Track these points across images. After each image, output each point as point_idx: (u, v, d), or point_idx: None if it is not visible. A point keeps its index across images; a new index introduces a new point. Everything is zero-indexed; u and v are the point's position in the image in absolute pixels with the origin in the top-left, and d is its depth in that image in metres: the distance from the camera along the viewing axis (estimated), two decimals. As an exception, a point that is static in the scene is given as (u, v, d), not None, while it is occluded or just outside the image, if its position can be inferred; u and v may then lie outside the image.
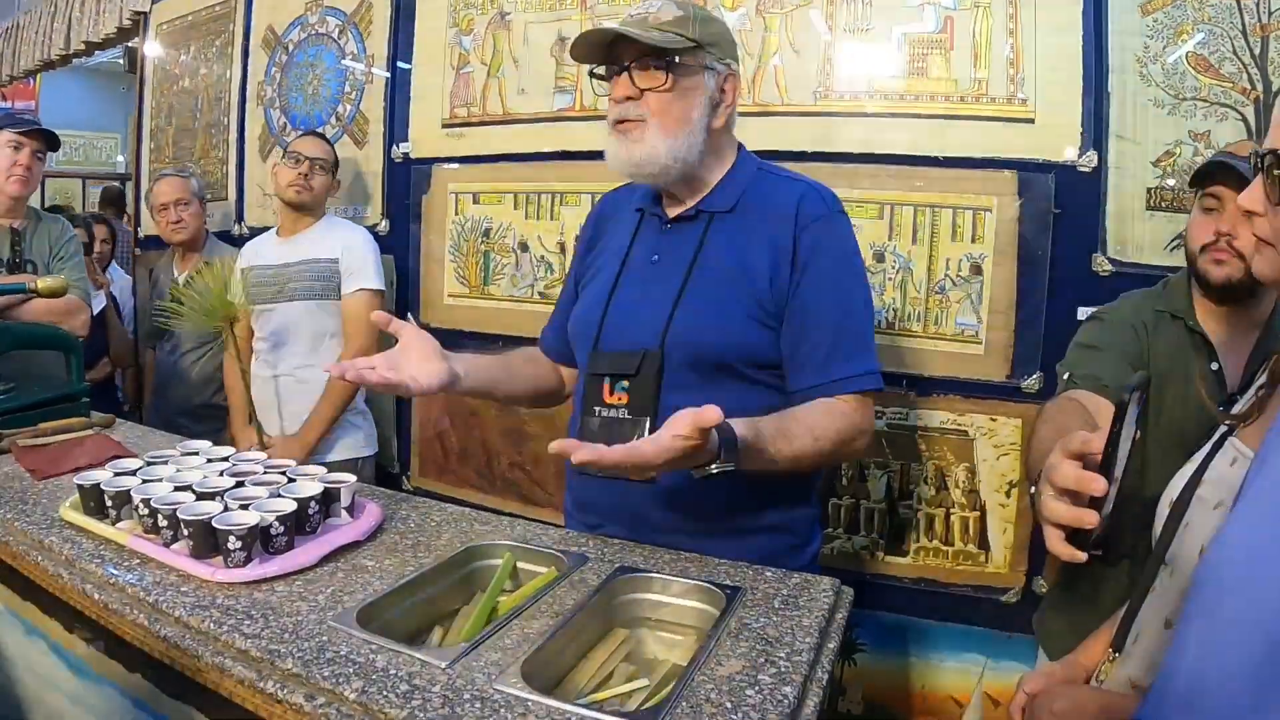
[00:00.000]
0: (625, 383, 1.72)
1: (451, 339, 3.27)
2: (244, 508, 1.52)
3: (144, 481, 1.66)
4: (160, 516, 1.53)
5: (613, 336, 1.81)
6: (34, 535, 1.64)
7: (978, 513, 2.62)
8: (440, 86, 3.49)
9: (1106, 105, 2.43)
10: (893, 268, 2.65)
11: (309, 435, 3.10)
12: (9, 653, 1.82)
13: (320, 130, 3.69)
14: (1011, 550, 2.60)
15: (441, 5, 3.48)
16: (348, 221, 3.44)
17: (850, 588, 1.56)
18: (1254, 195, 1.08)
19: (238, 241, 3.95)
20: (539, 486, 3.31)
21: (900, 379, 2.66)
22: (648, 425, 1.66)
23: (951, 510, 2.65)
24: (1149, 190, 2.41)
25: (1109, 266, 2.44)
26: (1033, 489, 1.17)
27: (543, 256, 3.28)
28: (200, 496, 1.59)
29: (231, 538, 1.43)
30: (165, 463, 1.82)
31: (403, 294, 3.63)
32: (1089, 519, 0.94)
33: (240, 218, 4.27)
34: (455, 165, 3.48)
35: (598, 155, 2.96)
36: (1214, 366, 1.81)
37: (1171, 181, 2.39)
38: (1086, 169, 2.44)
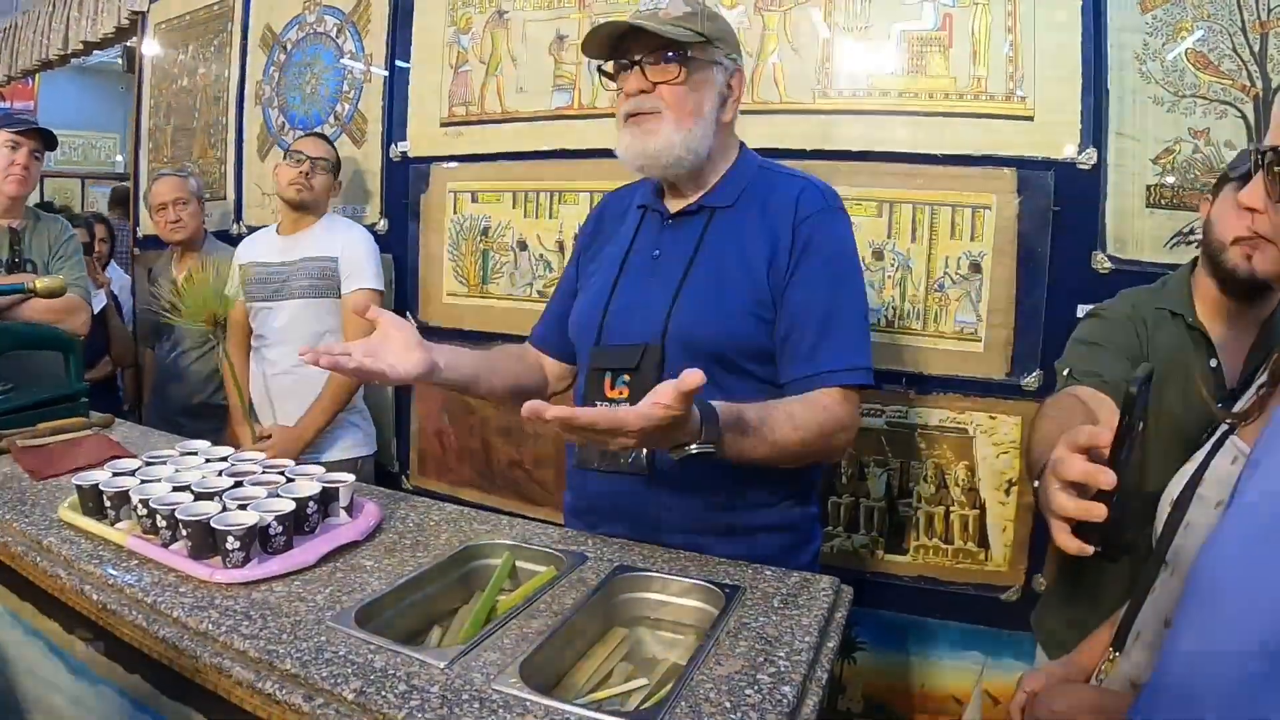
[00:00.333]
0: (626, 377, 1.73)
1: (450, 337, 3.29)
2: (242, 508, 1.52)
3: (143, 482, 1.66)
4: (159, 517, 1.53)
5: (614, 331, 1.81)
6: (32, 536, 1.64)
7: (977, 511, 2.62)
8: (438, 85, 3.49)
9: (1106, 102, 2.42)
10: (892, 265, 2.65)
11: (306, 430, 3.10)
12: (8, 654, 1.81)
13: (320, 130, 3.68)
14: (1011, 548, 2.60)
15: (440, 4, 3.48)
16: (348, 220, 3.43)
17: (850, 586, 1.56)
18: (1255, 193, 1.08)
19: (236, 241, 3.94)
20: (538, 485, 3.30)
21: (900, 377, 2.65)
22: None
23: (951, 508, 2.65)
24: (1148, 187, 2.41)
25: (1108, 264, 2.44)
26: (1035, 483, 1.16)
27: (541, 255, 3.27)
28: (199, 497, 1.59)
29: (230, 538, 1.43)
30: (164, 463, 1.82)
31: (401, 293, 3.63)
32: (1097, 512, 0.94)
33: (239, 217, 4.27)
34: (454, 164, 3.48)
35: (596, 154, 2.98)
36: (1213, 364, 1.80)
37: (1171, 179, 2.39)
38: (1086, 166, 2.44)
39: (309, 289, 3.16)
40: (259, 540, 1.49)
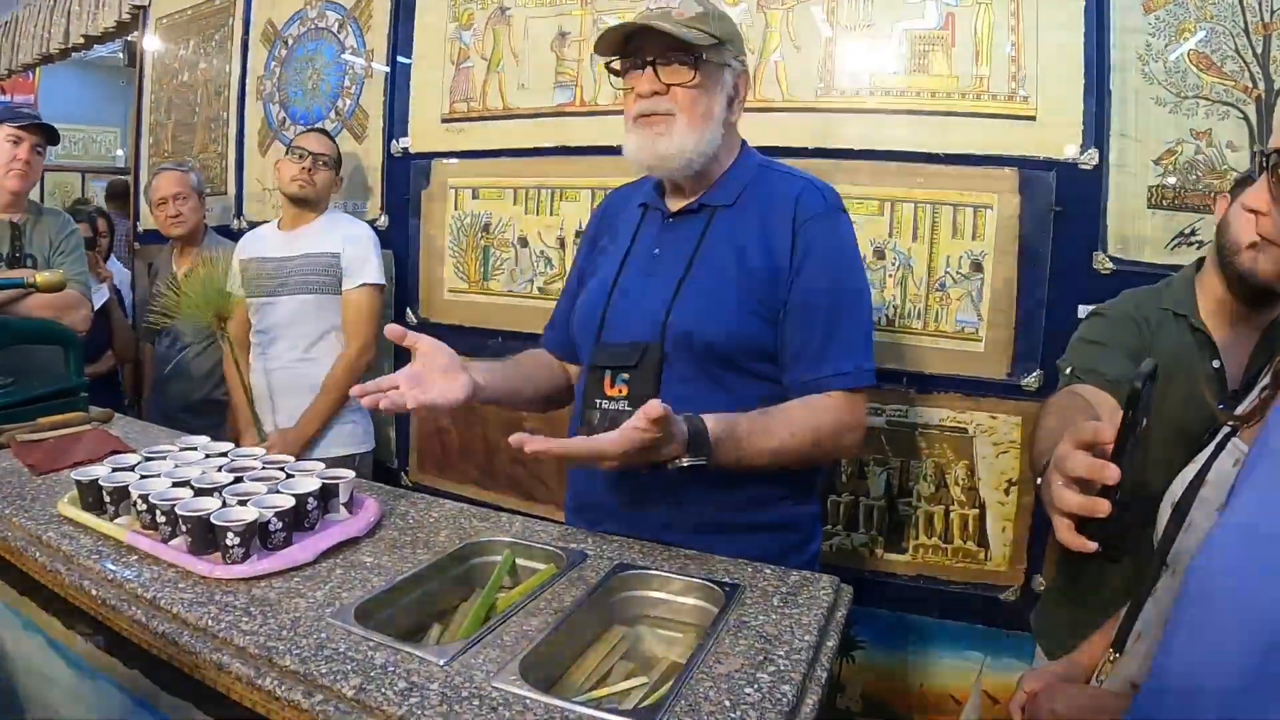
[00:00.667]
0: (625, 375, 1.73)
1: (451, 334, 3.29)
2: (242, 504, 1.52)
3: (142, 477, 1.66)
4: (158, 512, 1.52)
5: (614, 329, 1.81)
6: (32, 530, 1.64)
7: (977, 510, 2.62)
8: (440, 81, 3.49)
9: (1108, 103, 2.42)
10: (893, 265, 2.65)
11: (306, 430, 3.10)
12: (7, 649, 1.81)
13: (321, 125, 3.68)
14: (1010, 548, 2.60)
15: (441, 0, 3.48)
16: (349, 216, 3.43)
17: (849, 585, 1.56)
18: (1259, 195, 1.08)
19: (236, 236, 3.94)
20: (539, 482, 3.30)
21: (900, 376, 2.65)
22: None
23: (951, 508, 2.65)
24: (1150, 188, 2.41)
25: (1110, 264, 2.44)
26: (1038, 480, 1.16)
27: (542, 252, 3.27)
28: (199, 492, 1.59)
29: (230, 534, 1.43)
30: (164, 458, 1.82)
31: (402, 289, 3.63)
32: (1101, 507, 0.94)
33: (239, 212, 4.27)
34: (455, 160, 3.48)
35: (598, 150, 2.98)
36: (1215, 365, 1.80)
37: (1173, 180, 2.39)
38: (1088, 167, 2.44)
39: (310, 285, 3.16)
40: (259, 536, 1.49)
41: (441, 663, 1.18)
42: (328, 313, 3.20)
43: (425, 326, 3.53)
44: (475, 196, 3.42)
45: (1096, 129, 2.43)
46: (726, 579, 1.50)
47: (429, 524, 1.75)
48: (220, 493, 1.58)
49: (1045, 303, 2.51)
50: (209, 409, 3.73)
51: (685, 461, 1.50)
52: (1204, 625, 0.84)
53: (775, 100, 2.81)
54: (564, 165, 3.20)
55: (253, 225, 3.88)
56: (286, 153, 3.26)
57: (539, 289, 3.29)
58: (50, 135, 3.20)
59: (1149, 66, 2.39)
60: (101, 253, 5.02)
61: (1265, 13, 2.29)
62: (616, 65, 1.82)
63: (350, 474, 1.73)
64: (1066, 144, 2.46)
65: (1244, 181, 1.83)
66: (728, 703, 1.11)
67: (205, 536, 1.46)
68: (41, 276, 2.62)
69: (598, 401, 1.75)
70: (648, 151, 1.77)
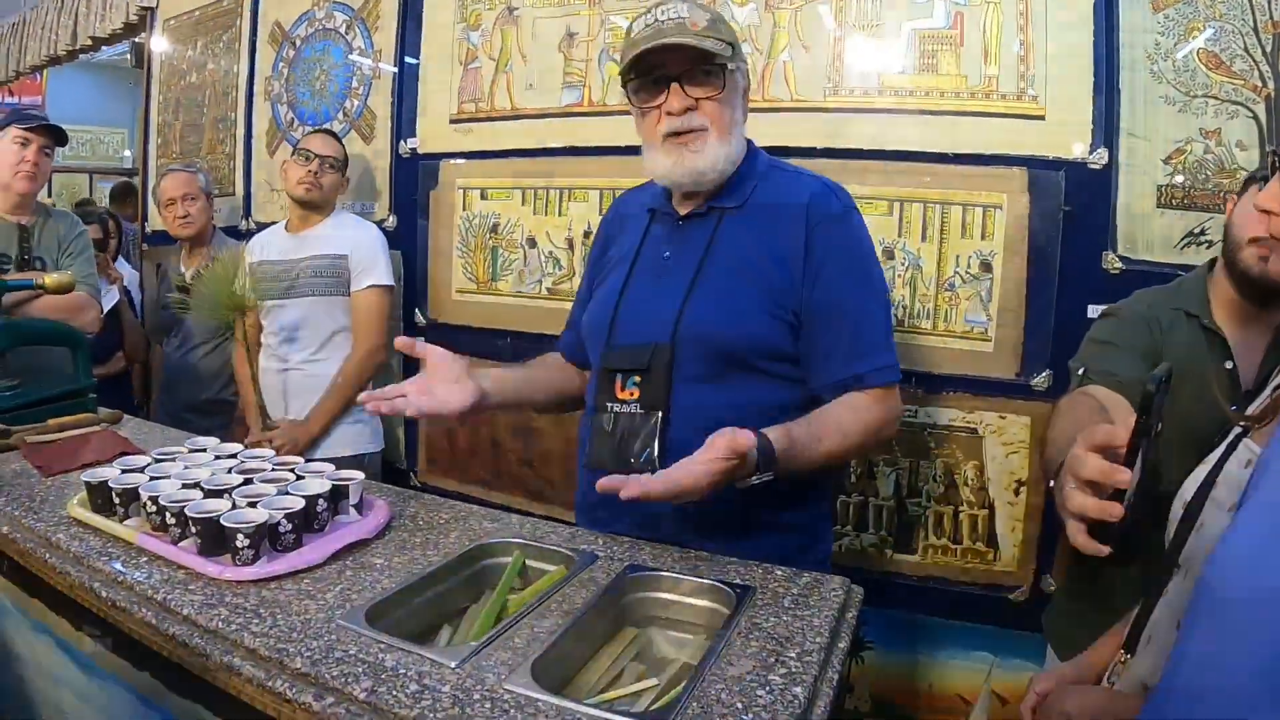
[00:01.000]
0: (637, 378, 1.74)
1: (459, 335, 3.29)
2: (252, 505, 1.52)
3: (152, 479, 1.66)
4: (168, 514, 1.53)
5: (625, 332, 1.81)
6: (41, 532, 1.64)
7: (986, 511, 2.61)
8: (448, 82, 3.49)
9: (1117, 102, 2.41)
10: (902, 264, 2.64)
11: (312, 426, 3.11)
12: (17, 650, 1.82)
13: (329, 126, 3.68)
14: (1020, 548, 2.59)
15: (449, 0, 3.48)
16: (357, 217, 3.43)
17: (860, 587, 1.55)
18: (1272, 194, 1.08)
19: (245, 236, 3.95)
20: (547, 483, 3.30)
21: (909, 376, 2.64)
22: (659, 420, 1.67)
23: (960, 508, 2.64)
24: (1159, 188, 2.40)
25: (1119, 264, 2.43)
26: (1051, 482, 1.16)
27: (551, 252, 3.27)
28: (208, 494, 1.59)
29: (240, 535, 1.43)
30: (173, 460, 1.82)
31: (410, 289, 3.63)
32: (1114, 512, 0.93)
33: (247, 213, 4.28)
34: (463, 161, 3.48)
35: (606, 151, 2.98)
36: (1228, 366, 1.79)
37: (1182, 179, 2.38)
38: (1097, 166, 2.43)
39: (319, 287, 3.16)
40: (268, 538, 1.49)
41: (453, 665, 1.18)
42: (337, 314, 3.20)
43: (433, 327, 3.54)
44: (483, 197, 3.42)
45: (1106, 128, 2.43)
46: (738, 580, 1.50)
47: (439, 525, 1.75)
48: (230, 494, 1.57)
49: (1055, 302, 2.50)
50: (217, 409, 3.74)
51: (755, 480, 1.52)
52: (1217, 627, 0.84)
53: (783, 100, 2.80)
54: (572, 165, 3.19)
55: (261, 226, 3.89)
56: (292, 155, 3.25)
57: (547, 289, 3.28)
58: (58, 136, 3.21)
59: (1158, 65, 2.38)
60: (110, 254, 5.03)
61: (1274, 11, 2.28)
62: (634, 85, 1.80)
63: (360, 475, 1.73)
64: (1075, 143, 2.46)
65: (1251, 180, 1.83)
66: (740, 705, 1.11)
67: (215, 538, 1.47)
68: (50, 278, 2.63)
69: (609, 405, 1.76)
70: (682, 170, 1.77)
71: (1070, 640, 1.93)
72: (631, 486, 1.41)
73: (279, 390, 3.20)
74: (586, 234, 3.14)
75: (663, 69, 1.73)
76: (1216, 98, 2.34)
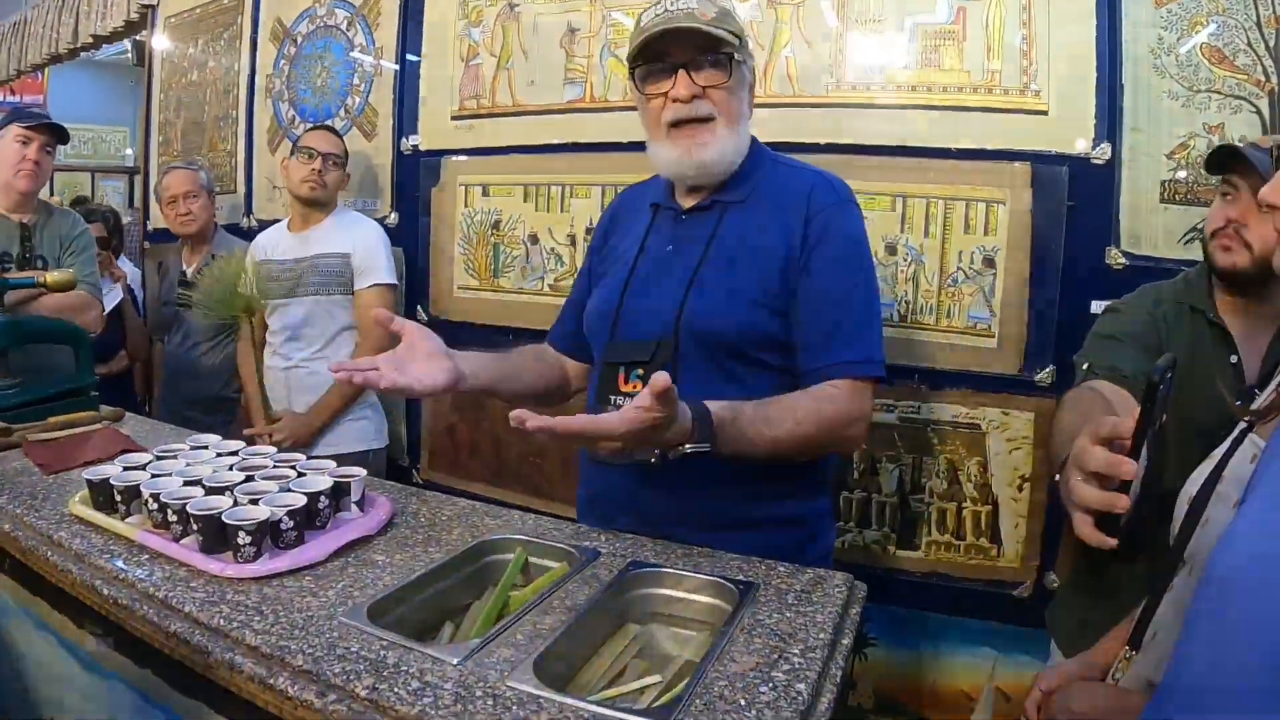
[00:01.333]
0: (640, 371, 1.73)
1: (461, 331, 3.29)
2: (254, 502, 1.51)
3: (154, 476, 1.65)
4: (170, 511, 1.52)
5: (628, 326, 1.81)
6: (43, 530, 1.64)
7: (990, 507, 2.61)
8: (449, 78, 3.49)
9: (1120, 97, 2.41)
10: (905, 260, 2.64)
11: (316, 419, 3.13)
12: (19, 648, 1.82)
13: (330, 123, 3.67)
14: (1023, 544, 2.59)
15: (450, -4, 3.48)
16: (360, 215, 3.43)
17: (863, 583, 1.55)
18: (1275, 188, 1.07)
19: (246, 234, 3.95)
20: (549, 479, 3.30)
21: (912, 372, 2.64)
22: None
23: (963, 504, 2.64)
24: (1163, 183, 2.40)
25: (1122, 260, 2.43)
26: (1056, 476, 1.15)
27: (553, 249, 3.27)
28: (210, 491, 1.58)
29: (241, 533, 1.43)
30: (175, 457, 1.82)
31: (412, 286, 3.63)
32: (1120, 503, 0.93)
33: (249, 210, 4.28)
34: (465, 157, 3.48)
35: (608, 147, 2.98)
36: (1233, 360, 1.79)
37: (1185, 174, 2.37)
38: (1100, 161, 2.43)
39: (324, 286, 3.17)
40: (270, 535, 1.48)
41: (455, 662, 1.18)
42: (342, 312, 3.21)
43: (436, 324, 3.53)
44: (485, 194, 3.41)
45: (1109, 123, 2.42)
46: (741, 577, 1.49)
47: (441, 522, 1.74)
48: (232, 491, 1.57)
49: (1058, 298, 2.49)
50: (219, 406, 3.74)
51: (688, 448, 1.48)
52: (1222, 623, 0.83)
53: (786, 95, 2.80)
54: (574, 162, 3.19)
55: (262, 223, 3.90)
56: (292, 152, 3.25)
57: (549, 286, 3.28)
58: (60, 135, 3.21)
59: (1161, 60, 2.38)
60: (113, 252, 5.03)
61: (1276, 6, 2.28)
62: (640, 72, 1.79)
63: (362, 472, 1.73)
64: (1079, 138, 2.45)
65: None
66: (743, 701, 1.10)
67: (217, 535, 1.46)
68: (51, 277, 2.63)
69: (612, 398, 1.75)
70: (689, 161, 1.76)
71: (1074, 636, 1.93)
72: (538, 419, 1.35)
73: (282, 388, 3.20)
74: (588, 230, 3.13)
75: (670, 57, 1.73)
76: (1220, 92, 2.34)
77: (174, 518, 1.52)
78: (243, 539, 1.43)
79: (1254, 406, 1.25)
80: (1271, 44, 2.29)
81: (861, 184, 2.39)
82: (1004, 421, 2.57)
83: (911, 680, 2.77)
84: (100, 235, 4.19)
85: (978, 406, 2.60)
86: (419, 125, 3.59)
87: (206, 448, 1.92)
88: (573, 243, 3.22)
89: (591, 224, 3.11)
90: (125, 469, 1.72)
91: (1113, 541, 0.96)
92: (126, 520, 1.63)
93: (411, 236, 3.63)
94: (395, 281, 3.26)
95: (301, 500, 1.54)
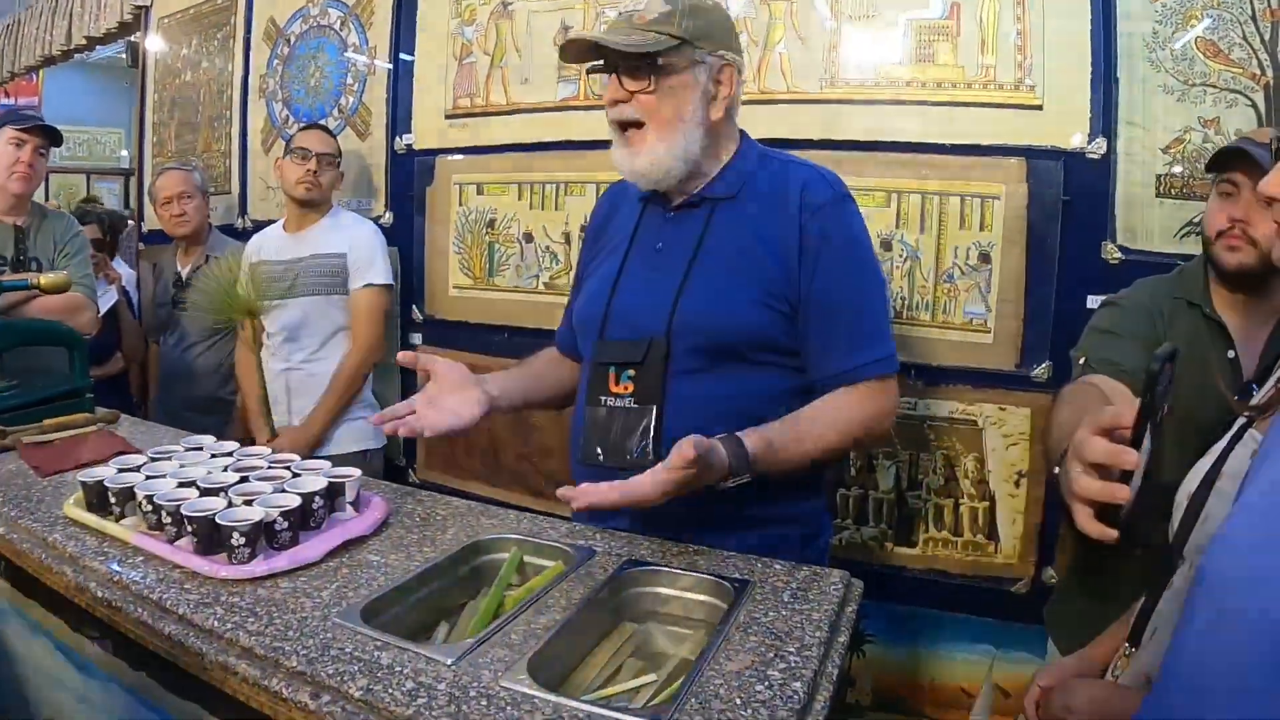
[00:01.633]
0: (631, 371, 1.73)
1: (456, 330, 3.29)
2: (248, 503, 1.51)
3: (148, 478, 1.65)
4: (164, 513, 1.52)
5: (618, 325, 1.80)
6: (38, 533, 1.64)
7: (987, 503, 2.61)
8: (443, 77, 3.48)
9: (1115, 91, 2.41)
10: (900, 256, 2.64)
11: (314, 427, 3.11)
12: (15, 651, 1.81)
13: (324, 123, 3.67)
14: (1021, 541, 2.59)
15: (443, -5, 3.47)
16: (355, 215, 3.42)
17: (860, 580, 1.55)
18: (1275, 182, 1.06)
19: (241, 234, 3.95)
20: (546, 478, 3.30)
21: (908, 369, 2.63)
22: (654, 414, 1.66)
23: (960, 500, 2.64)
24: (1158, 177, 2.39)
25: (1118, 254, 2.43)
26: (1055, 469, 1.15)
27: (547, 247, 3.26)
28: (204, 492, 1.58)
29: (235, 534, 1.42)
30: (169, 458, 1.81)
31: (407, 286, 3.63)
32: (1121, 493, 0.92)
33: (243, 211, 4.27)
34: (459, 156, 3.47)
35: (602, 144, 2.94)
36: (1231, 355, 1.79)
37: (1180, 168, 2.37)
38: (1095, 156, 2.43)
39: (319, 286, 3.16)
40: (265, 536, 1.48)
41: (449, 662, 1.17)
42: (337, 313, 3.20)
43: (430, 323, 3.54)
44: (480, 192, 3.41)
45: (1104, 118, 2.42)
46: (736, 575, 1.49)
47: (436, 521, 1.74)
48: (226, 493, 1.57)
49: (1054, 293, 2.49)
50: (215, 407, 3.73)
51: (730, 483, 1.52)
52: (1215, 616, 0.83)
53: (780, 92, 2.79)
54: (568, 160, 3.19)
55: (257, 224, 3.90)
56: (286, 153, 3.24)
57: (544, 284, 3.28)
58: (53, 137, 3.20)
59: (1156, 54, 2.38)
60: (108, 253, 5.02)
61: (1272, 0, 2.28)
62: (601, 65, 1.80)
63: (357, 472, 1.72)
64: (1074, 133, 2.45)
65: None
66: (739, 700, 1.10)
67: (211, 537, 1.46)
68: (45, 278, 2.62)
69: (602, 398, 1.75)
70: (627, 168, 1.78)
71: (1072, 633, 1.92)
72: (585, 496, 1.45)
73: (280, 390, 3.19)
74: (583, 228, 3.13)
75: (610, 59, 1.75)
76: (1215, 86, 2.34)
77: (168, 519, 1.52)
78: (237, 540, 1.43)
79: (1253, 402, 1.24)
80: (1267, 37, 2.29)
81: (856, 180, 2.40)
82: (1001, 417, 2.57)
83: (910, 677, 2.77)
84: (95, 237, 4.18)
85: (974, 402, 2.60)
86: (413, 124, 3.59)
87: (201, 449, 1.92)
88: (567, 241, 3.22)
89: (586, 221, 3.10)
90: (119, 471, 1.71)
91: (1114, 533, 0.95)
92: (121, 522, 1.62)
93: (406, 236, 3.63)
94: (390, 282, 3.25)
95: (296, 501, 1.53)
